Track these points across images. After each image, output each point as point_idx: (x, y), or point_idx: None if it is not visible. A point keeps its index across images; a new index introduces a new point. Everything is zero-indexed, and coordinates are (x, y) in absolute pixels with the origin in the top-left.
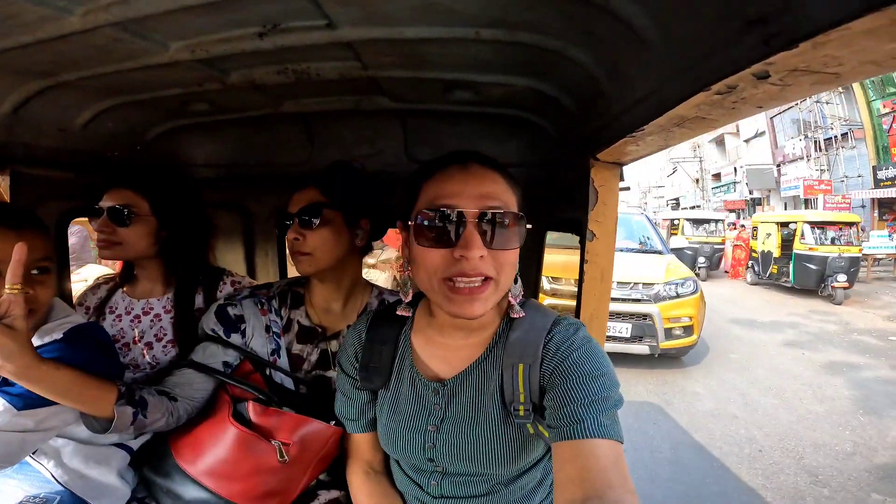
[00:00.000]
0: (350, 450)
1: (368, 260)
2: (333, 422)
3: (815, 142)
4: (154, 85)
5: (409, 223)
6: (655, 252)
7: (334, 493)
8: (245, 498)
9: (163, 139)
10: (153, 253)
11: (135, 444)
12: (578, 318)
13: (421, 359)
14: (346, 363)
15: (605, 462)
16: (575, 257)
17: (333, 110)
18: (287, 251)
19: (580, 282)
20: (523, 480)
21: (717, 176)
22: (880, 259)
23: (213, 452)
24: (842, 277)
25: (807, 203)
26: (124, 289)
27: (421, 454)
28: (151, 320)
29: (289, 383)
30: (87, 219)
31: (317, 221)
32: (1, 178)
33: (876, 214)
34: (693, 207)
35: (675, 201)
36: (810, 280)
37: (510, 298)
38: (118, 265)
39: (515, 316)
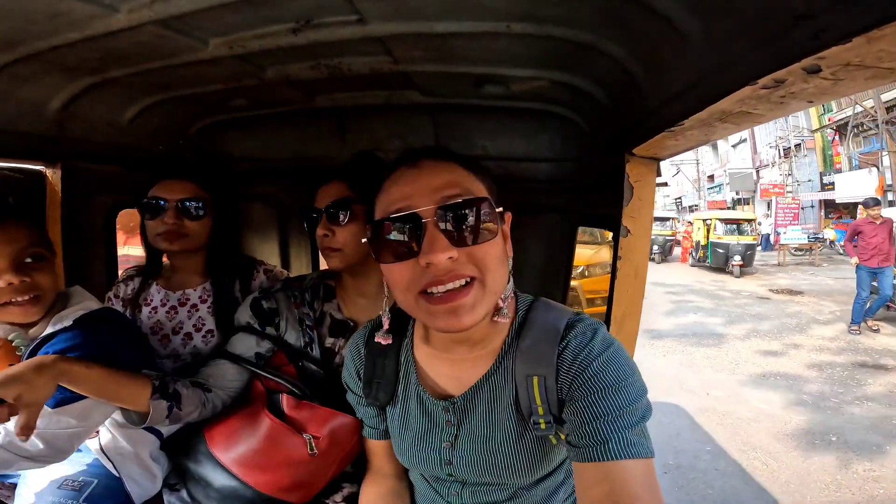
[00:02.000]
0: (366, 451)
1: None
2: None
3: (781, 150)
4: (196, 81)
5: (364, 241)
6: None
7: (357, 486)
8: (273, 488)
9: (204, 134)
10: (205, 244)
11: (165, 430)
12: (609, 315)
13: (426, 375)
14: (350, 380)
15: (634, 485)
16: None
17: (365, 105)
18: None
19: (612, 279)
20: (546, 483)
21: (711, 177)
22: (794, 248)
23: (246, 442)
24: (737, 259)
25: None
26: (158, 281)
27: (438, 468)
28: (189, 311)
29: (321, 377)
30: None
31: (345, 216)
32: (52, 172)
33: (822, 213)
34: (692, 206)
35: (678, 200)
36: (720, 261)
37: (499, 301)
38: None
39: (498, 320)
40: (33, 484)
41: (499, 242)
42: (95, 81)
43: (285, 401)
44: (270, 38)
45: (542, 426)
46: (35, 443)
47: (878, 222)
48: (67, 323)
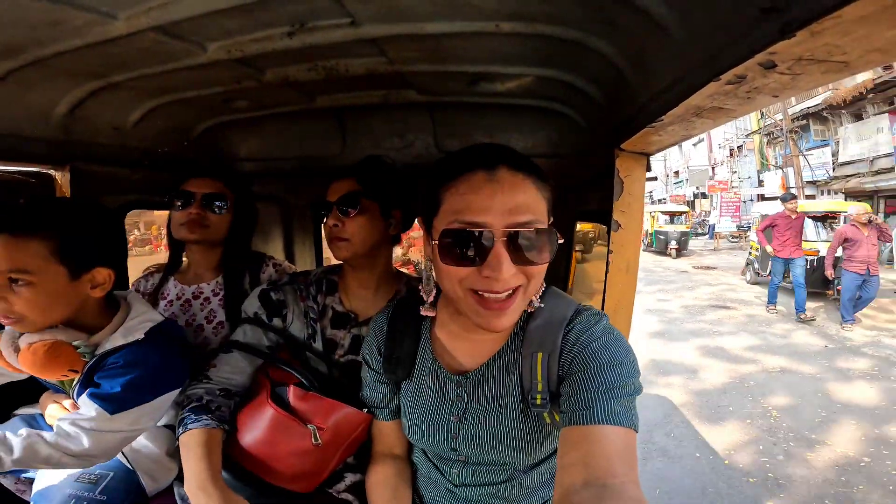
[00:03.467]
0: (375, 434)
1: None
2: (366, 409)
3: (728, 150)
4: (197, 84)
5: (434, 242)
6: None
7: (360, 476)
8: (278, 478)
9: (207, 135)
10: (222, 239)
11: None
12: (603, 309)
13: (443, 352)
14: (370, 355)
15: (611, 449)
16: None
17: (364, 104)
18: (323, 240)
19: (606, 272)
20: (541, 468)
21: (676, 173)
22: (730, 235)
23: (252, 433)
24: (674, 243)
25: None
26: (176, 276)
27: (444, 443)
28: (201, 304)
29: (324, 368)
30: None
31: (355, 209)
32: (61, 175)
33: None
34: (661, 199)
35: (650, 193)
36: (662, 245)
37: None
38: None
39: (532, 310)
40: (50, 478)
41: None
42: (99, 86)
43: (291, 392)
44: (266, 42)
45: (538, 401)
46: (81, 441)
47: (793, 216)
48: (139, 336)
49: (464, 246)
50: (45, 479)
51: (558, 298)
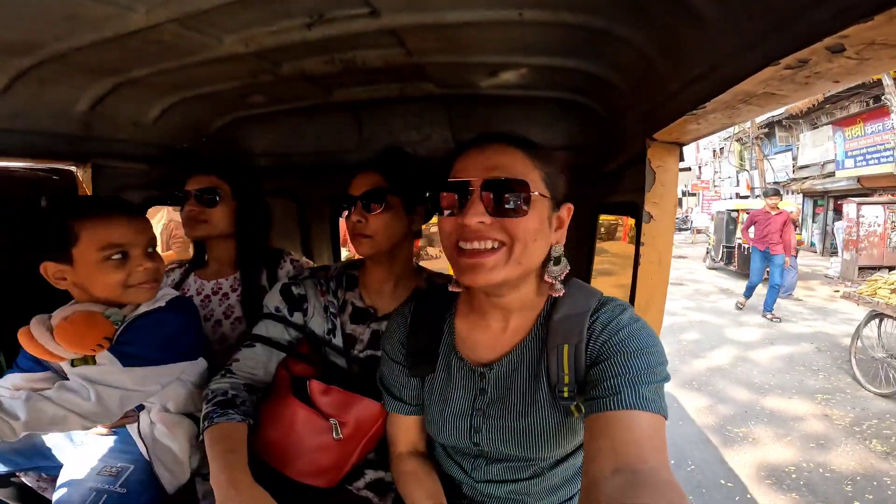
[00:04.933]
0: (395, 432)
1: None
2: (385, 399)
3: (711, 151)
4: (214, 78)
5: (428, 194)
6: None
7: (380, 473)
8: (300, 474)
9: (225, 131)
10: (231, 232)
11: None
12: (633, 304)
13: (465, 343)
14: (392, 349)
15: (639, 434)
16: None
17: (380, 98)
18: (340, 234)
19: (635, 265)
20: (565, 465)
21: None
22: (701, 230)
23: (273, 428)
24: None
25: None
26: (196, 272)
27: (466, 439)
28: (220, 299)
29: (343, 363)
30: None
31: (380, 206)
32: (83, 171)
33: None
34: None
35: None
36: None
37: (548, 278)
38: None
39: (556, 294)
40: (74, 472)
41: (532, 221)
42: (118, 82)
43: (313, 386)
44: (284, 34)
45: (566, 394)
46: (88, 393)
47: (773, 213)
48: (161, 304)
49: (448, 196)
50: (69, 474)
51: (581, 289)
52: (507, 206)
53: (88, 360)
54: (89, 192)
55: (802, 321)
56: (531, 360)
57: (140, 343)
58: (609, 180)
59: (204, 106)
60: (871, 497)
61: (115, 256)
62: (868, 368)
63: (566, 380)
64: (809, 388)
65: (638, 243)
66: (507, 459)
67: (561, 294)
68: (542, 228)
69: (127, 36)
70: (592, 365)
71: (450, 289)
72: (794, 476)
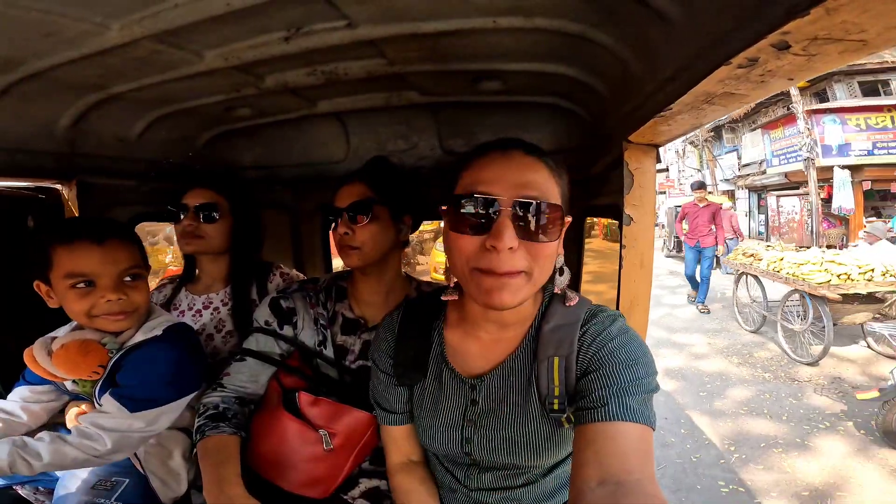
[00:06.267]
0: (388, 443)
1: None
2: (375, 411)
3: (675, 151)
4: (198, 93)
5: (443, 208)
6: None
7: (375, 482)
8: (293, 485)
9: (212, 145)
10: (226, 248)
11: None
12: (618, 306)
13: (456, 354)
14: (381, 359)
15: (625, 446)
16: None
17: (366, 108)
18: (332, 245)
19: (619, 268)
20: (558, 472)
21: None
22: (660, 224)
23: (265, 441)
24: None
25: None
26: (187, 287)
27: (458, 449)
28: (211, 314)
29: (335, 374)
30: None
31: (366, 217)
32: (68, 189)
33: None
34: None
35: None
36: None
37: (557, 289)
38: None
39: (571, 303)
40: (70, 486)
41: (555, 243)
42: (100, 98)
43: (302, 398)
44: (263, 48)
45: (556, 406)
46: (104, 441)
47: (701, 205)
48: (158, 332)
49: (471, 213)
50: (64, 487)
51: (570, 300)
52: (539, 231)
53: (86, 385)
54: (76, 211)
55: (726, 289)
56: (522, 371)
57: (145, 387)
58: (594, 183)
59: (189, 120)
60: (718, 384)
61: (79, 285)
62: (743, 314)
63: (556, 392)
64: (705, 329)
65: (620, 246)
66: (500, 468)
67: (574, 302)
68: (556, 248)
69: (105, 52)
70: (582, 376)
71: (443, 298)
72: (678, 373)
